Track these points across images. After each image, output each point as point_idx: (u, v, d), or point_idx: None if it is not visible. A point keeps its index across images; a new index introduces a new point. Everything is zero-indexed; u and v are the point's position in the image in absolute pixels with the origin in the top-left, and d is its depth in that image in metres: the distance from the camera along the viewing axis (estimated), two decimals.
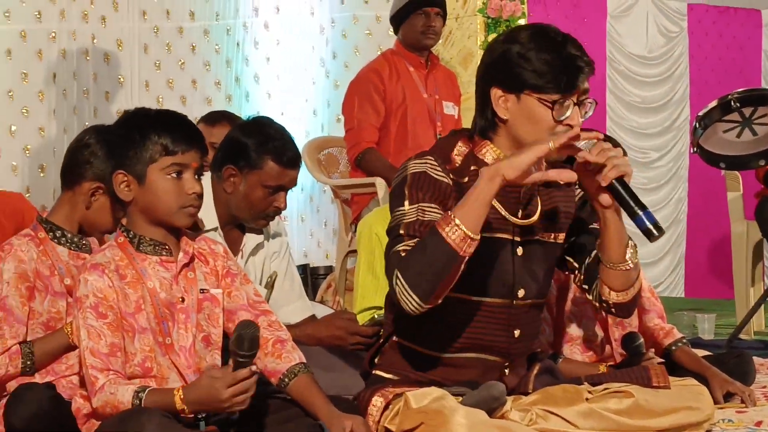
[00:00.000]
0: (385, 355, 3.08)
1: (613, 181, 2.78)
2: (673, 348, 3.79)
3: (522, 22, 8.41)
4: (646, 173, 9.83)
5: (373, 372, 3.09)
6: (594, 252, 3.03)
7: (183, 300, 2.98)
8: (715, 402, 3.36)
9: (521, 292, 2.99)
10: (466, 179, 2.92)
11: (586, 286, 3.09)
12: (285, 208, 3.87)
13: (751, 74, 10.46)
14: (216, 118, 5.38)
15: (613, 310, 3.05)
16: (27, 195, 6.50)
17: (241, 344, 2.78)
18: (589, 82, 2.89)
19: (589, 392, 2.92)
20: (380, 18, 7.81)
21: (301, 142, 6.73)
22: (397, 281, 2.79)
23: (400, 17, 6.08)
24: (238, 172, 3.80)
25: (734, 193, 6.45)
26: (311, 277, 7.34)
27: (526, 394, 2.97)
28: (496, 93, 2.93)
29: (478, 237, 2.76)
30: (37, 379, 3.23)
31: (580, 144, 2.85)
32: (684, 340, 3.83)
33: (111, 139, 3.07)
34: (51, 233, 3.35)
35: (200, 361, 2.98)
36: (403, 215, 2.87)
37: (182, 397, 2.79)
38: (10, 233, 4.73)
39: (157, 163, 2.94)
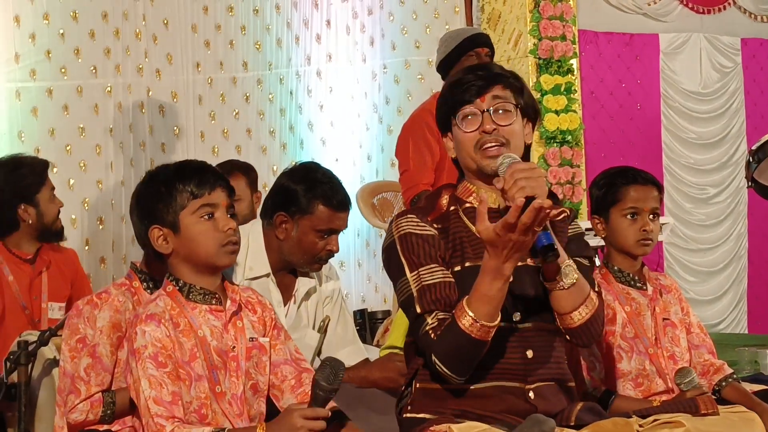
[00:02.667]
0: (414, 404, 3.06)
1: (525, 201, 2.76)
2: (723, 384, 3.75)
3: (573, 62, 8.43)
4: (704, 209, 9.74)
5: (405, 416, 3.07)
6: None
7: (234, 348, 3.01)
8: None
9: (517, 316, 2.97)
10: (451, 221, 3.02)
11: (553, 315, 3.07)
12: (338, 250, 3.90)
13: None
14: (228, 170, 5.48)
15: (567, 336, 3.02)
16: (86, 247, 6.61)
17: (323, 373, 2.84)
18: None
19: (640, 425, 2.90)
20: (431, 62, 7.82)
21: (356, 188, 6.79)
22: (436, 364, 2.88)
23: (451, 61, 6.13)
24: (290, 218, 3.84)
25: None
26: (369, 322, 7.34)
27: (569, 426, 2.94)
28: (447, 143, 3.11)
29: (497, 321, 2.83)
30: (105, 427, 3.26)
31: (499, 169, 2.91)
32: (734, 376, 3.79)
33: (139, 200, 3.11)
34: (144, 283, 3.40)
35: (249, 408, 3.01)
36: (408, 287, 2.95)
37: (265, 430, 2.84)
38: (67, 285, 4.87)
39: (188, 208, 3.00)
